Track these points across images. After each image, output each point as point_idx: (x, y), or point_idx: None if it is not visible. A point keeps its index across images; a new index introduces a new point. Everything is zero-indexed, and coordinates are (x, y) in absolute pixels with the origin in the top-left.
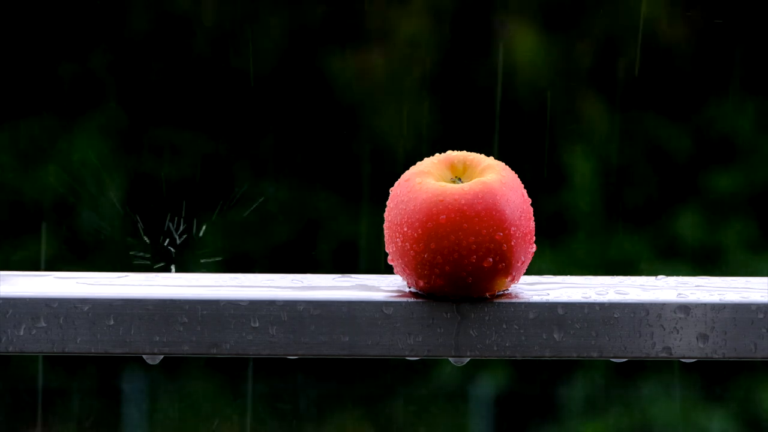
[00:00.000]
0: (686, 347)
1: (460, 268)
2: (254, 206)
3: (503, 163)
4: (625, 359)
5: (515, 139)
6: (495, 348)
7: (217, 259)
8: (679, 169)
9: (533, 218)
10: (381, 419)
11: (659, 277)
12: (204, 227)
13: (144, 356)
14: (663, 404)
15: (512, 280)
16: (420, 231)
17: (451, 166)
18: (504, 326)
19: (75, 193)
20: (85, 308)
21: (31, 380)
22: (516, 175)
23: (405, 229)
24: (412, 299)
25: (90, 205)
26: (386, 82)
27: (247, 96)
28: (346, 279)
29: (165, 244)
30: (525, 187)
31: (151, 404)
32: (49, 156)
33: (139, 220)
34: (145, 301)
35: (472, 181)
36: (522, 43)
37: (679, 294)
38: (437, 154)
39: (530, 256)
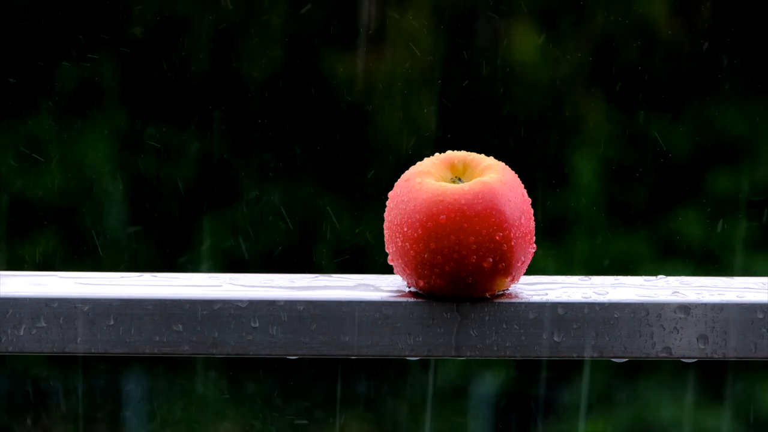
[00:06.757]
0: (686, 347)
1: (460, 268)
2: (254, 207)
3: (503, 163)
4: (625, 359)
5: (516, 140)
6: (495, 348)
7: (217, 259)
8: (679, 168)
9: (533, 218)
10: (381, 419)
11: (659, 277)
12: (204, 227)
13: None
14: (663, 404)
15: (512, 280)
16: (420, 231)
17: (451, 166)
18: (504, 326)
19: (75, 193)
20: (85, 308)
21: (30, 380)
22: (516, 175)
23: (405, 229)
24: (412, 299)
25: (90, 205)
26: (386, 83)
27: (247, 96)
28: (346, 279)
29: (166, 243)
30: (525, 187)
31: (151, 404)
32: (49, 156)
33: (139, 220)
34: (145, 301)
35: (472, 181)
36: (523, 43)
37: (679, 294)
38: (437, 154)
39: (530, 256)
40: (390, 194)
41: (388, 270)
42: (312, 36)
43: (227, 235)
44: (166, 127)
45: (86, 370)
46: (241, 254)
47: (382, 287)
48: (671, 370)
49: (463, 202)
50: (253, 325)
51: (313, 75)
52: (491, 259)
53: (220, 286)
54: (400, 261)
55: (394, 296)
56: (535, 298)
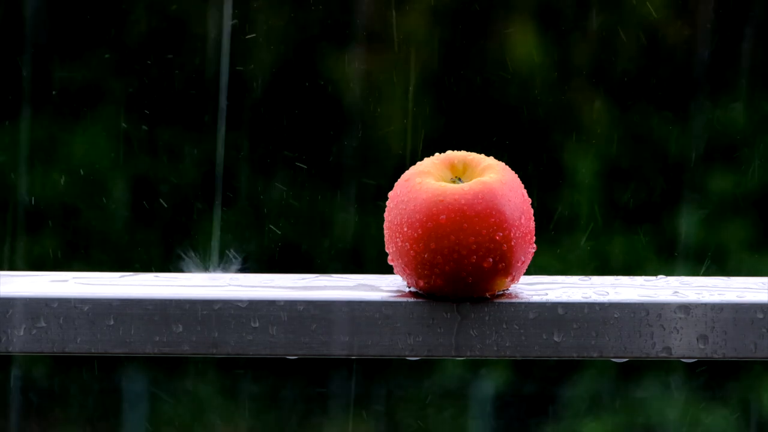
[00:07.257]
0: (686, 347)
1: (460, 268)
2: (254, 207)
3: (503, 163)
4: (625, 359)
5: (515, 139)
6: (495, 348)
7: (218, 259)
8: (679, 168)
9: (533, 218)
10: (381, 419)
11: (659, 277)
12: (204, 228)
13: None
14: (663, 404)
15: (512, 280)
16: (420, 231)
17: (451, 166)
18: (504, 326)
19: (76, 193)
20: (85, 308)
21: (30, 380)
22: (516, 175)
23: (405, 229)
24: (412, 299)
25: (91, 205)
26: (386, 82)
27: (247, 97)
28: (346, 279)
29: (166, 243)
30: (525, 187)
31: (151, 404)
32: (50, 156)
33: (139, 220)
34: (145, 301)
35: (472, 181)
36: (522, 43)
37: (679, 294)
38: (437, 154)
39: (530, 256)
40: (390, 194)
41: (388, 270)
42: (311, 34)
43: (228, 235)
44: (166, 126)
45: (85, 370)
46: (241, 254)
47: (382, 287)
48: (671, 370)
49: (463, 202)
50: (253, 325)
51: (313, 75)
52: (491, 259)
53: (220, 286)
54: (400, 261)
55: (394, 296)
56: (535, 298)
